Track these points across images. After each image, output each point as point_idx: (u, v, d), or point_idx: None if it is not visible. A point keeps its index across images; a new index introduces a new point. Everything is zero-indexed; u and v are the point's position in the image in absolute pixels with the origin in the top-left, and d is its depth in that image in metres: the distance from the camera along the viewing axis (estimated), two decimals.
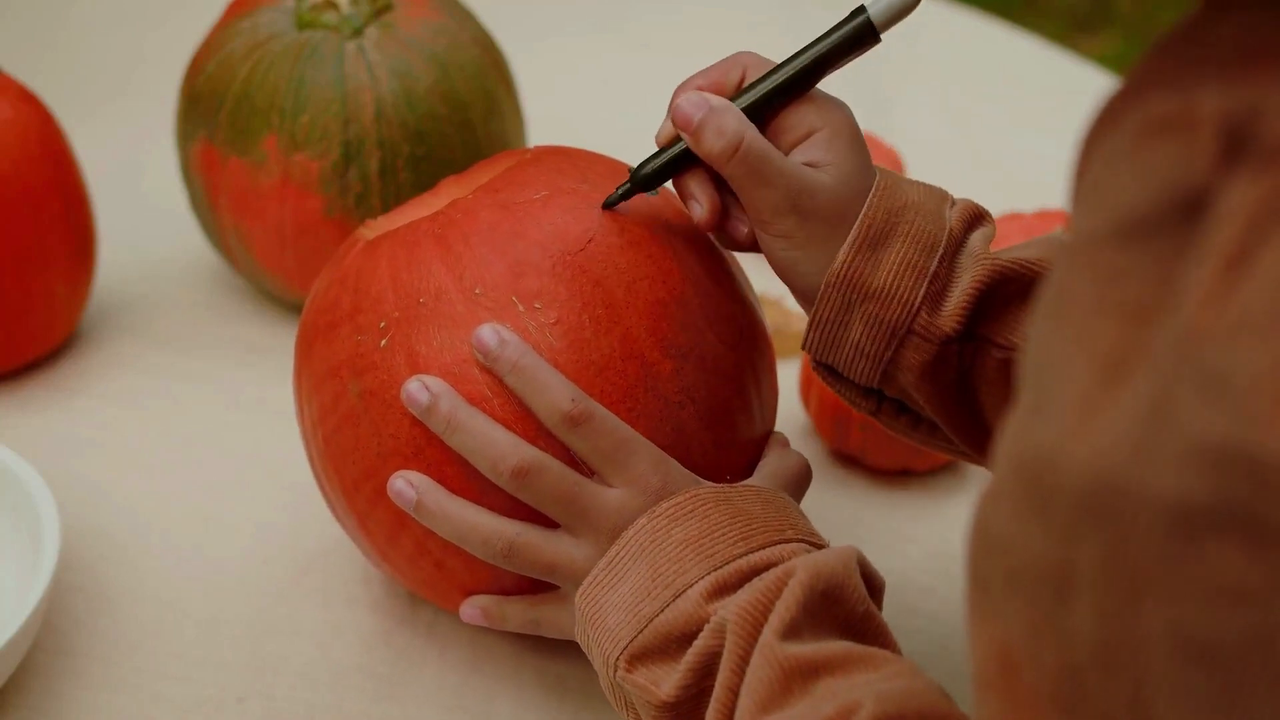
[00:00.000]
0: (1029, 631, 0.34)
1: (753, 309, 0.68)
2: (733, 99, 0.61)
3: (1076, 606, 0.32)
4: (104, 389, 0.89)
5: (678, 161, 0.62)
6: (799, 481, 0.65)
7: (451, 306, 0.61)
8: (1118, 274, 0.32)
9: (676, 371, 0.62)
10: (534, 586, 0.64)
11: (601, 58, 1.30)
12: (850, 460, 0.84)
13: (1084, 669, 0.32)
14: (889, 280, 0.60)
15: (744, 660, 0.52)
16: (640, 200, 0.65)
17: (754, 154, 0.59)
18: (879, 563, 0.75)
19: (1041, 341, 0.35)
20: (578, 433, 0.59)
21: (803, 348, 0.63)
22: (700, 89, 0.61)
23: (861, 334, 0.61)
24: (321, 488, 0.68)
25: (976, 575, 0.36)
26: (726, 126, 0.59)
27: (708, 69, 0.62)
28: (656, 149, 0.63)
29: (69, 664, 0.70)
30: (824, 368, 0.64)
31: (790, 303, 0.94)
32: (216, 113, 0.86)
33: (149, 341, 0.93)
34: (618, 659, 0.56)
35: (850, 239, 0.59)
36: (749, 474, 0.65)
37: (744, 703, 0.51)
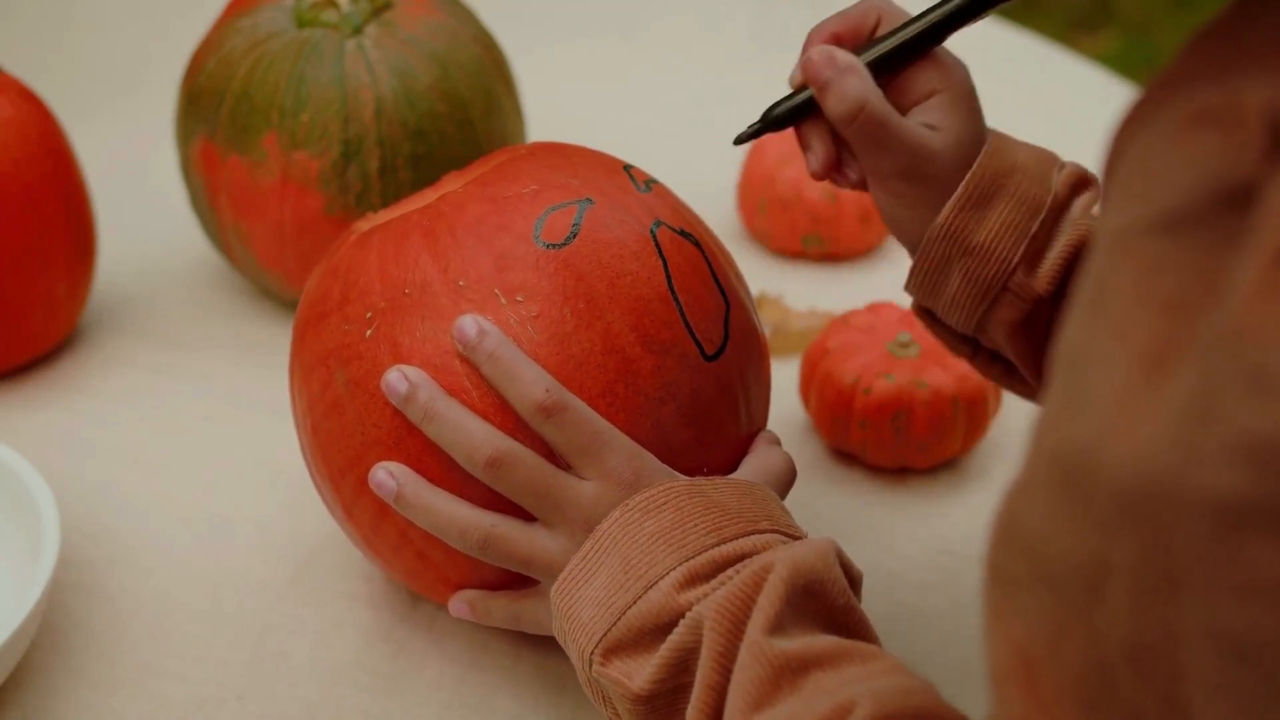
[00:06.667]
0: (1054, 628, 0.33)
1: (744, 307, 0.67)
2: (862, 49, 0.62)
3: (1109, 603, 0.31)
4: (104, 387, 0.89)
5: (807, 106, 0.63)
6: (781, 479, 0.65)
7: (435, 298, 0.62)
8: (1158, 266, 0.32)
9: (658, 368, 0.62)
10: (513, 579, 0.64)
11: (601, 56, 1.30)
12: (850, 459, 0.84)
13: (1113, 666, 0.32)
14: (989, 239, 0.62)
15: (724, 657, 0.52)
16: (630, 195, 0.65)
17: (873, 121, 0.60)
18: (878, 562, 0.75)
19: (1077, 334, 0.35)
20: (552, 423, 0.59)
21: (905, 289, 0.66)
22: (836, 33, 0.63)
23: (959, 287, 0.63)
24: (312, 477, 0.68)
25: (998, 571, 0.36)
26: (849, 92, 0.60)
27: (842, 13, 0.64)
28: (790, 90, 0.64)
29: (69, 663, 0.70)
30: (924, 312, 0.67)
31: (790, 300, 0.94)
32: (216, 111, 0.86)
33: (149, 340, 0.93)
34: (592, 653, 0.56)
35: (955, 197, 0.62)
36: (731, 471, 0.65)
37: (734, 701, 0.51)
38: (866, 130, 0.61)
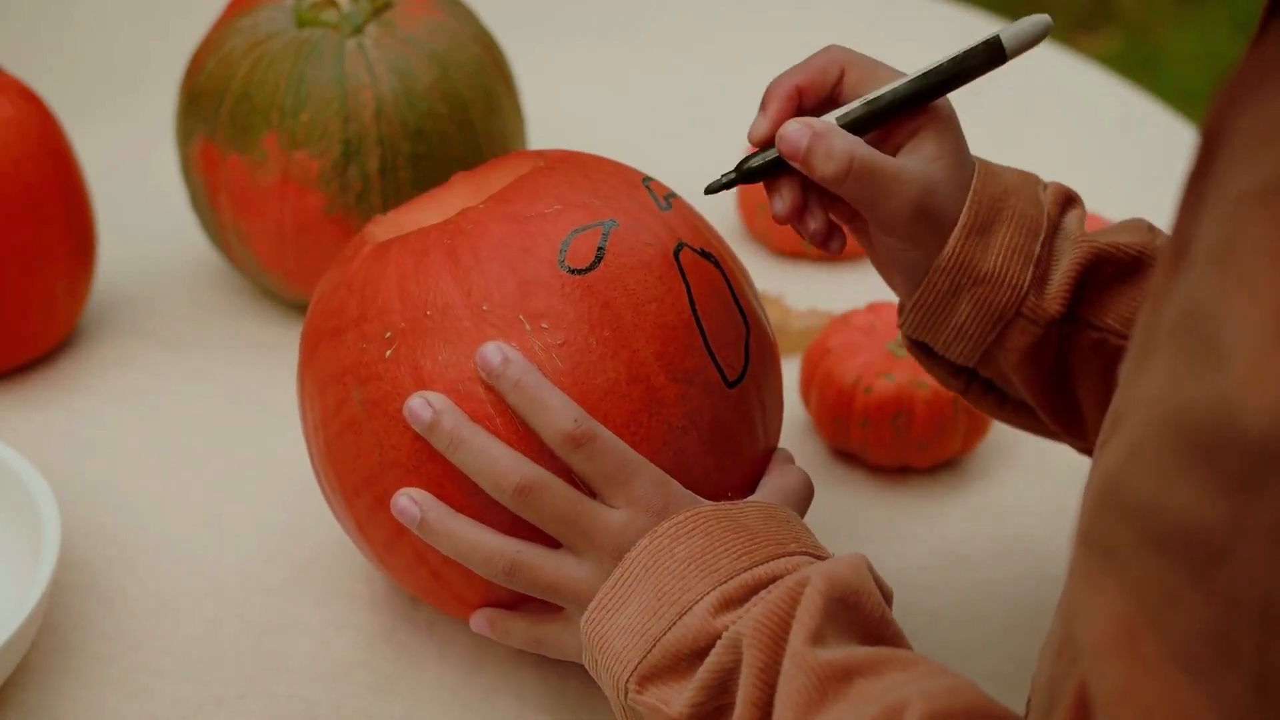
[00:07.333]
0: (1163, 594, 0.33)
1: (761, 325, 0.67)
2: (846, 112, 0.61)
3: (1238, 563, 0.31)
4: (104, 387, 0.89)
5: (782, 162, 0.62)
6: (800, 498, 0.65)
7: (458, 322, 0.61)
8: None
9: (681, 396, 0.61)
10: (529, 598, 0.63)
11: (602, 57, 1.30)
12: (850, 458, 0.83)
13: (1236, 629, 0.31)
14: (998, 264, 0.61)
15: (765, 672, 0.52)
16: (651, 213, 0.65)
17: (866, 172, 0.59)
18: (879, 560, 0.75)
19: (1203, 295, 0.34)
20: (580, 453, 0.59)
21: (899, 325, 0.65)
22: (798, 85, 0.62)
23: (968, 317, 0.62)
24: (322, 488, 0.68)
25: (1094, 540, 0.36)
26: (834, 149, 0.59)
27: (803, 65, 0.62)
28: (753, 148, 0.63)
29: (68, 663, 0.70)
30: (917, 345, 0.66)
31: (790, 300, 0.94)
32: (216, 111, 0.86)
33: (149, 340, 0.93)
34: (628, 681, 0.56)
35: (960, 224, 0.61)
36: (751, 492, 0.65)
37: (780, 713, 0.50)
38: (863, 182, 0.59)
